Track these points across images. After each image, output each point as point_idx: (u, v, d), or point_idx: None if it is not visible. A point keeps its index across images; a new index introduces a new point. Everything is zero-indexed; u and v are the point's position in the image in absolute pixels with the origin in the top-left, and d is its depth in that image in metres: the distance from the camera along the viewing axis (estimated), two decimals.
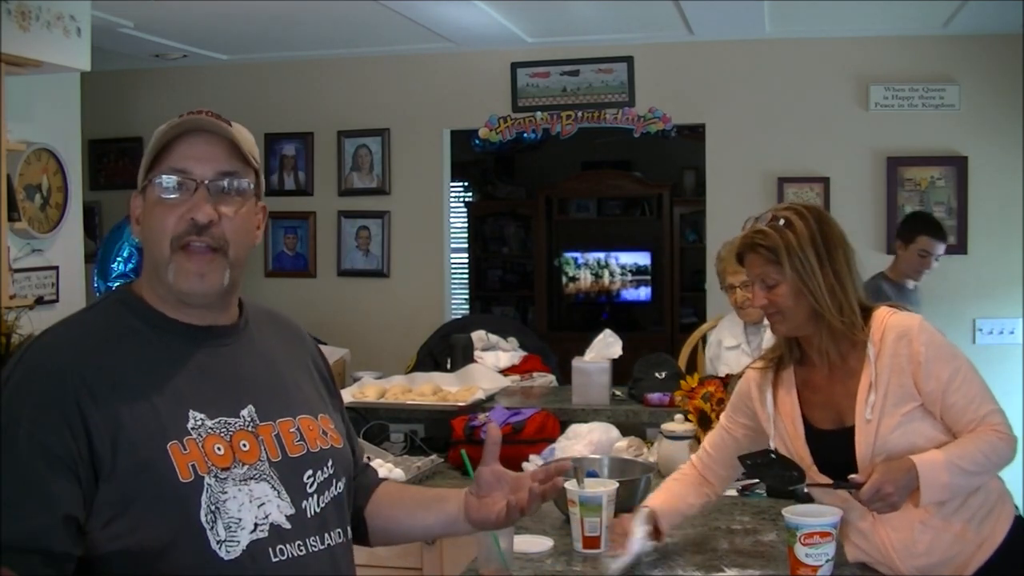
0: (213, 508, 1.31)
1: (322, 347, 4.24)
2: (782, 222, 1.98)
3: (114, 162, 5.84)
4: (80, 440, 1.27)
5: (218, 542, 1.30)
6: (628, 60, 5.10)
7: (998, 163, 4.77)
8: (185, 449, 1.31)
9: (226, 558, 1.30)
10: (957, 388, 1.93)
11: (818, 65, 4.97)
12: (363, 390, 3.42)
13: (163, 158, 1.39)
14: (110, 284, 4.28)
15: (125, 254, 4.33)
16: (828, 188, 4.92)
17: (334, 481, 1.47)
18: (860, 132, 4.91)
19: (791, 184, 4.98)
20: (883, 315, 1.98)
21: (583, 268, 7.70)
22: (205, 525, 1.30)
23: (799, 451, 2.05)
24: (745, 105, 5.06)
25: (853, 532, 2.04)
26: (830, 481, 1.98)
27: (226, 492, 1.32)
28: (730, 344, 3.60)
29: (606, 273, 7.68)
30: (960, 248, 4.78)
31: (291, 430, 1.44)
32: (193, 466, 1.31)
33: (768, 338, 3.44)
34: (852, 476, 1.93)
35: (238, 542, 1.32)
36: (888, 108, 4.86)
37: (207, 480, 1.31)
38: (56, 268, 3.89)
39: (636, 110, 5.13)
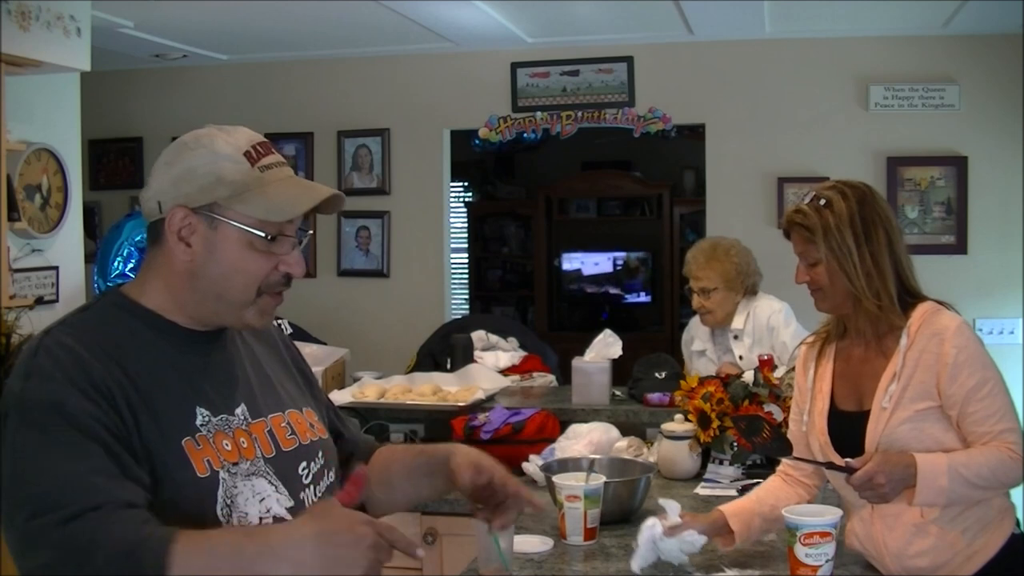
0: (228, 502, 1.33)
1: (322, 347, 4.23)
2: (823, 202, 1.99)
3: (114, 162, 5.84)
4: (118, 418, 1.27)
5: None
6: (628, 60, 5.10)
7: (998, 163, 4.76)
8: (199, 445, 1.33)
9: None
10: (981, 398, 1.90)
11: (818, 65, 4.97)
12: (363, 390, 3.42)
13: (253, 200, 1.36)
14: (110, 283, 4.28)
15: (124, 253, 4.33)
16: None
17: (326, 471, 1.51)
18: (860, 132, 4.90)
19: (791, 184, 4.98)
20: (926, 309, 1.98)
21: (587, 275, 7.69)
22: (221, 519, 1.31)
23: (819, 426, 2.05)
24: (745, 105, 5.06)
25: (855, 517, 2.05)
26: (842, 460, 1.98)
27: (236, 487, 1.34)
28: (697, 348, 3.62)
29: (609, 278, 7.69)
30: (960, 248, 4.78)
31: (282, 424, 1.47)
32: (208, 461, 1.33)
33: (748, 345, 3.44)
34: (848, 460, 1.93)
35: None
36: (888, 108, 4.86)
37: (222, 475, 1.33)
38: (56, 268, 3.89)
39: (636, 110, 5.13)
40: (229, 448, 1.36)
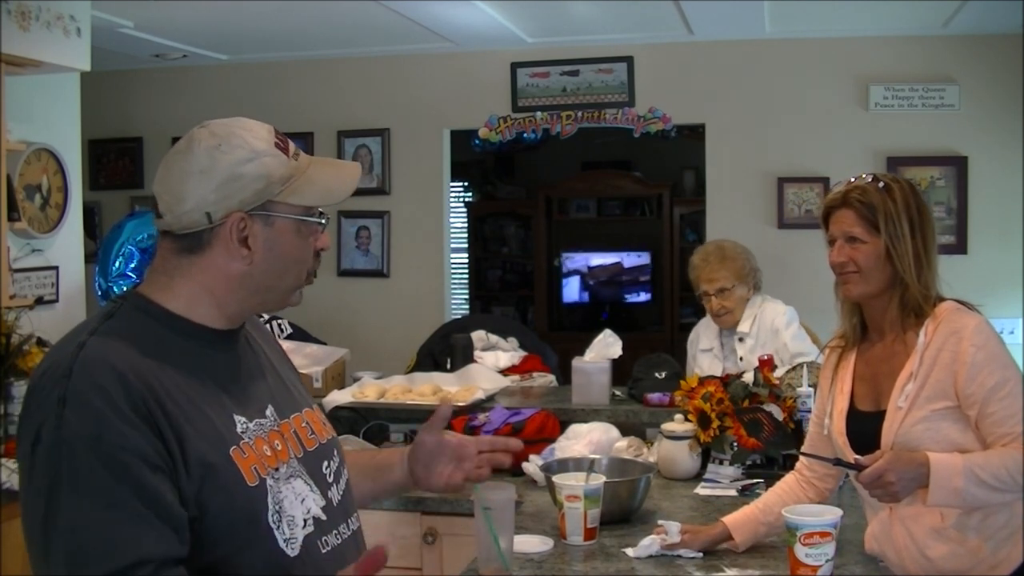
0: (276, 508, 1.33)
1: (322, 347, 4.23)
2: (881, 184, 1.99)
3: (114, 162, 5.84)
4: (160, 443, 1.24)
5: (284, 541, 1.32)
6: (628, 60, 5.10)
7: (998, 163, 4.76)
8: (244, 454, 1.32)
9: (291, 555, 1.33)
10: (1001, 399, 1.88)
11: (818, 65, 4.97)
12: (363, 390, 3.42)
13: (301, 189, 1.38)
14: (111, 283, 4.28)
15: (126, 253, 4.32)
16: (828, 188, 4.92)
17: (342, 469, 1.52)
18: (860, 132, 4.90)
19: (791, 184, 4.98)
20: (947, 307, 1.97)
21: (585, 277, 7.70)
22: (272, 525, 1.31)
23: (838, 427, 2.05)
24: (745, 105, 5.06)
25: (874, 520, 2.04)
26: (852, 457, 1.97)
27: (281, 492, 1.34)
28: (704, 347, 3.66)
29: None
30: (960, 248, 4.78)
31: (303, 425, 1.47)
32: (255, 469, 1.32)
33: (750, 346, 3.45)
34: (858, 458, 1.92)
35: (297, 539, 1.34)
36: (888, 108, 4.86)
37: (268, 482, 1.33)
38: (56, 268, 3.88)
39: (636, 110, 5.13)
40: (269, 454, 1.36)
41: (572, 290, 7.71)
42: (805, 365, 2.83)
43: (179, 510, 1.23)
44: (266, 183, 1.35)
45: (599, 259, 7.67)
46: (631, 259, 7.65)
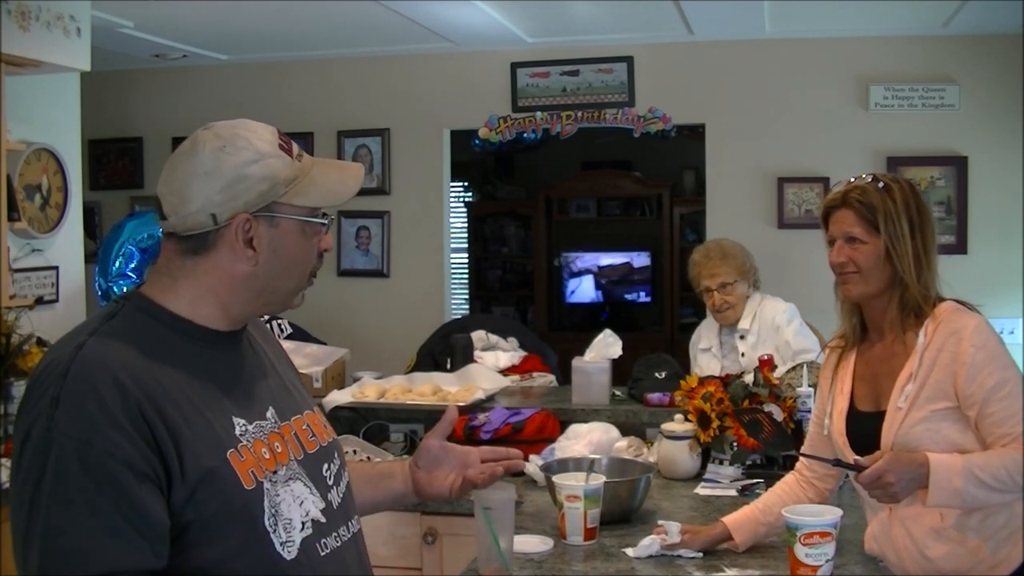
0: (273, 512, 1.33)
1: (322, 347, 4.23)
2: (881, 184, 1.99)
3: (114, 162, 5.84)
4: (152, 450, 1.24)
5: (281, 544, 1.33)
6: (628, 60, 5.10)
7: (998, 163, 4.76)
8: (242, 457, 1.32)
9: (288, 558, 1.33)
10: (1000, 399, 1.87)
11: (818, 65, 4.97)
12: (363, 390, 3.42)
13: (306, 190, 1.39)
14: (111, 283, 4.28)
15: (126, 253, 4.32)
16: (828, 188, 4.92)
17: (343, 472, 1.52)
18: (860, 132, 4.90)
19: (791, 184, 4.98)
20: (947, 308, 1.97)
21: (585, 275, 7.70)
22: (269, 529, 1.32)
23: (838, 427, 2.05)
24: (745, 105, 5.06)
25: (874, 520, 2.04)
26: (852, 458, 1.96)
27: (279, 495, 1.34)
28: (704, 346, 3.67)
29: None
30: (960, 248, 4.78)
31: (303, 427, 1.47)
32: (252, 472, 1.32)
33: (751, 343, 3.46)
34: (858, 458, 1.92)
35: (294, 542, 1.34)
36: (888, 108, 4.86)
37: (266, 485, 1.33)
38: (56, 268, 3.89)
39: (636, 110, 5.13)
40: (267, 456, 1.36)
41: (586, 289, 7.68)
42: (805, 365, 2.84)
43: (162, 521, 1.23)
44: (271, 184, 1.35)
45: (608, 259, 7.67)
46: (639, 259, 7.66)
